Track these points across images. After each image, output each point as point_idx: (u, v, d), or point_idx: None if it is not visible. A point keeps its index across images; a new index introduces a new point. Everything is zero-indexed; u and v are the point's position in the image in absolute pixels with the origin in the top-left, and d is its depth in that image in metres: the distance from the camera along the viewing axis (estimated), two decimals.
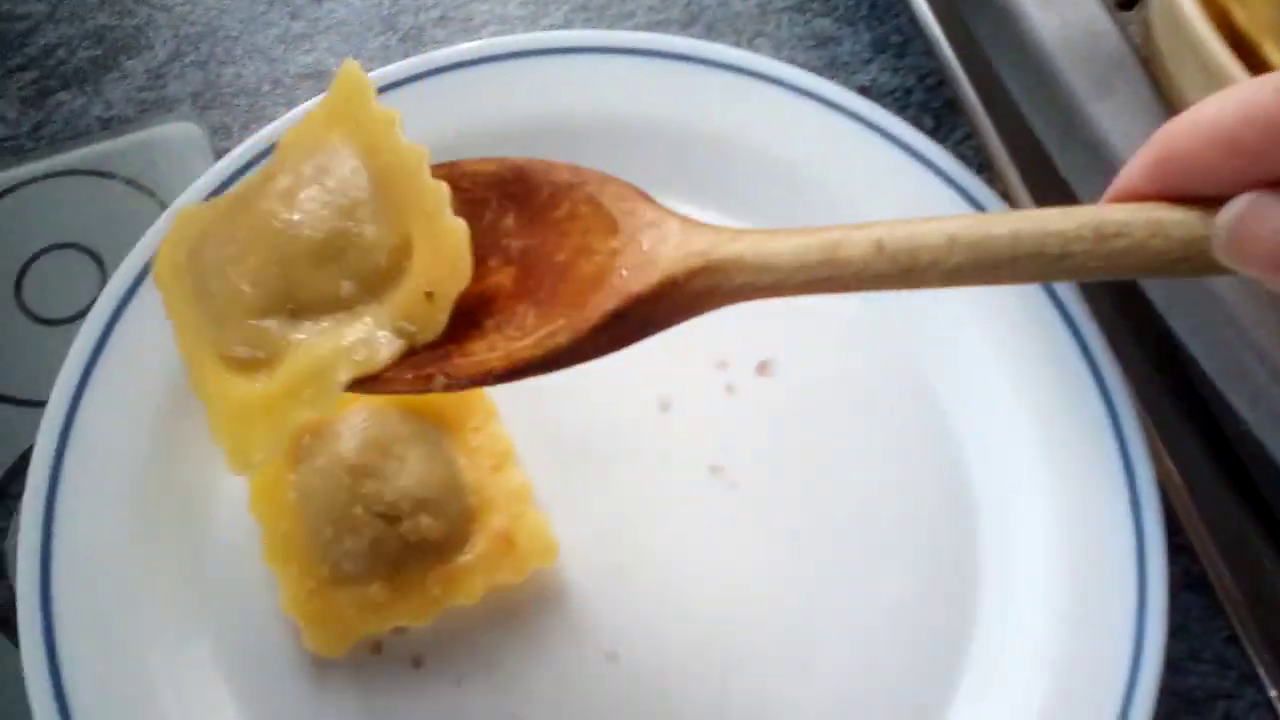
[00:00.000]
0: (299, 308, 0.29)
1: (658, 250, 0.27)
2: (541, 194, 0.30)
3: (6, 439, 0.40)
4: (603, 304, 0.27)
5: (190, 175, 0.43)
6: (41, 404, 0.40)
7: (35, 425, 0.39)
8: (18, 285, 0.43)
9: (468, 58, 0.41)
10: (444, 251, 0.28)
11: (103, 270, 0.43)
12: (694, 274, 0.26)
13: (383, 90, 0.41)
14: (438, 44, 0.47)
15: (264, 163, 0.38)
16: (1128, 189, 0.24)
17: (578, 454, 0.38)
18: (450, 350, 0.28)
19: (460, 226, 0.28)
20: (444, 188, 0.29)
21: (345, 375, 0.28)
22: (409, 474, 0.36)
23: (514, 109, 0.41)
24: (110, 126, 0.46)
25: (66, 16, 0.48)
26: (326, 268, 0.29)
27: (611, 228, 0.28)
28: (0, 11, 0.48)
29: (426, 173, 0.29)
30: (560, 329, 0.27)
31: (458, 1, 0.48)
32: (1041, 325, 0.38)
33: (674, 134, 0.41)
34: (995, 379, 0.39)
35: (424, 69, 0.41)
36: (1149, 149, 0.24)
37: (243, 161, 0.40)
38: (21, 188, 0.44)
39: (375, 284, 0.29)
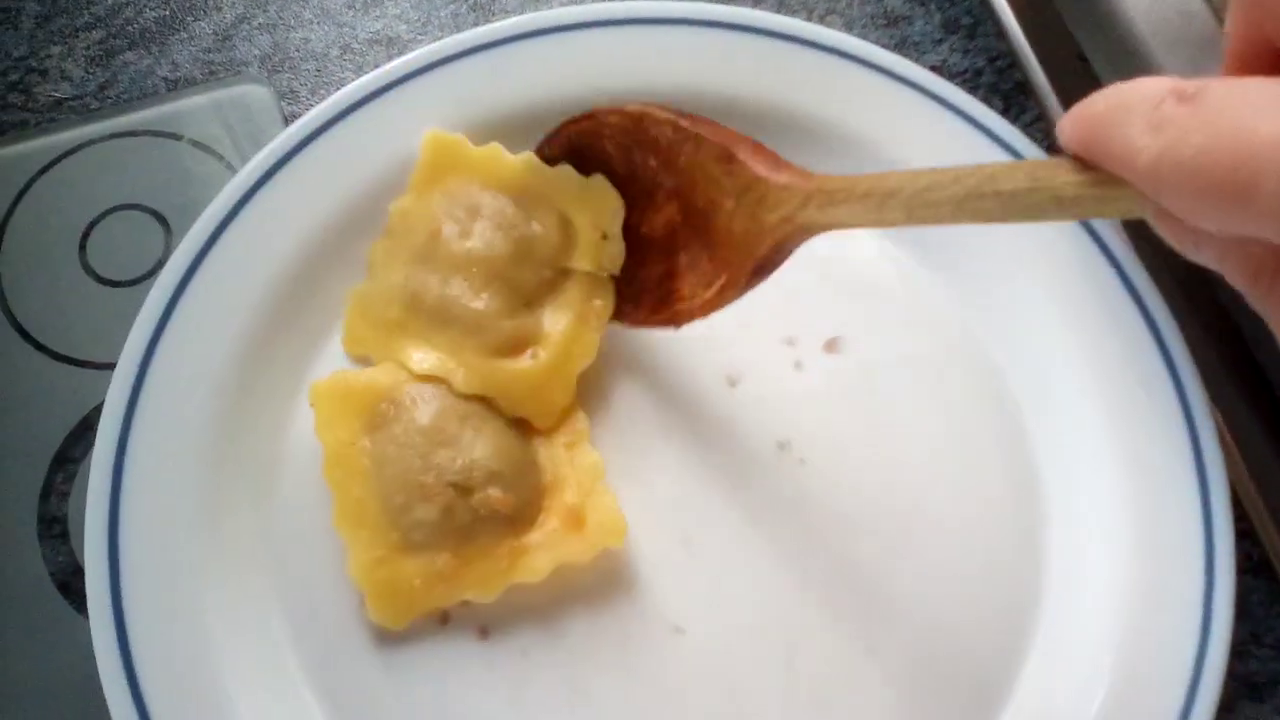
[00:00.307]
0: (530, 299, 0.37)
1: (760, 216, 0.33)
2: (662, 141, 0.36)
3: (67, 401, 0.40)
4: (745, 265, 0.34)
5: (259, 139, 0.43)
6: (102, 366, 0.40)
7: (96, 388, 0.39)
8: (82, 246, 0.42)
9: (538, 27, 0.41)
10: (596, 200, 0.38)
11: (169, 232, 0.42)
12: (788, 234, 0.33)
13: (452, 59, 0.40)
14: (508, 13, 0.47)
15: (325, 136, 0.39)
16: (1067, 148, 0.27)
17: (646, 428, 0.38)
18: (671, 297, 0.37)
19: (600, 178, 0.38)
20: (567, 167, 0.38)
21: (598, 326, 0.37)
22: (483, 445, 0.36)
23: (584, 80, 0.41)
24: (176, 88, 0.45)
25: None
26: (528, 264, 0.37)
27: (720, 188, 0.34)
28: None
29: (543, 165, 0.38)
30: (728, 284, 0.35)
31: None
32: (1111, 306, 0.38)
33: (746, 108, 0.41)
34: (1063, 358, 0.39)
35: (494, 38, 0.41)
36: (1074, 125, 0.26)
37: (313, 126, 0.39)
38: (87, 148, 0.43)
39: (563, 256, 0.38)
